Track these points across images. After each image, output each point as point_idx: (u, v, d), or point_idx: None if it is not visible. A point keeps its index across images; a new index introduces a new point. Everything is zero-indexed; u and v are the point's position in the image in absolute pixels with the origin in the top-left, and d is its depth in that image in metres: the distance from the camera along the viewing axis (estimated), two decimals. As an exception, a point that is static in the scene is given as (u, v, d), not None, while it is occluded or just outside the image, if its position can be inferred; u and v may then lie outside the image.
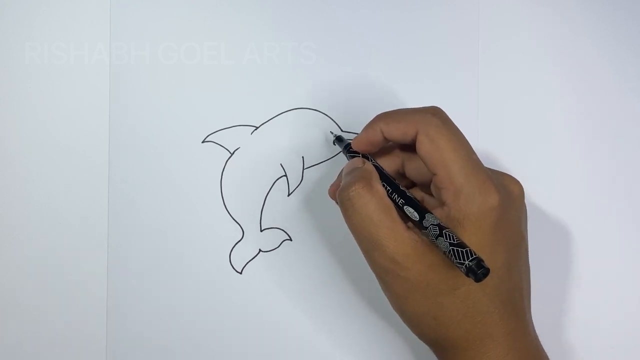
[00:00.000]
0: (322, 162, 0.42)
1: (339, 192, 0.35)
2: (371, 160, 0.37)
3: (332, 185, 0.39)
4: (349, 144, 0.39)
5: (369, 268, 0.42)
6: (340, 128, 0.42)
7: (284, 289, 0.42)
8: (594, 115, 0.43)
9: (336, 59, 0.43)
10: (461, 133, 0.35)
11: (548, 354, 0.36)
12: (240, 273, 0.42)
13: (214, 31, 0.42)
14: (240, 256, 0.42)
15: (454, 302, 0.34)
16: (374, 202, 0.34)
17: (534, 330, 0.37)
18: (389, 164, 0.38)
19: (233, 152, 0.42)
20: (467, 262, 0.31)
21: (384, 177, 0.36)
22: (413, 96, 0.43)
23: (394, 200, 0.35)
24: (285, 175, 0.42)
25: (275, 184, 0.42)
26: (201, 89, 0.42)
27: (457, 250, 0.31)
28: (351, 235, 0.42)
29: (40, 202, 0.41)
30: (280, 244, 0.42)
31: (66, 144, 0.42)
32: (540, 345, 0.36)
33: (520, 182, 0.37)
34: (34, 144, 0.42)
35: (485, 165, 0.35)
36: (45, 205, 0.41)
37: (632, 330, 0.43)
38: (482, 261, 0.31)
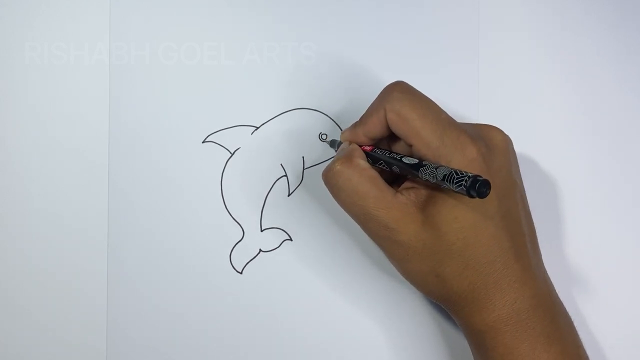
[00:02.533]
0: (322, 162, 0.42)
1: (323, 175, 0.36)
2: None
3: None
4: (335, 141, 0.41)
5: (368, 267, 0.42)
6: (340, 128, 0.42)
7: (284, 289, 0.42)
8: (594, 114, 0.43)
9: (336, 59, 0.43)
10: (426, 97, 0.36)
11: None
12: (241, 273, 0.42)
13: (214, 31, 0.42)
14: (241, 256, 0.42)
15: (452, 257, 0.34)
16: (356, 176, 0.35)
17: (545, 275, 0.37)
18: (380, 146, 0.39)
19: (233, 152, 0.42)
20: (464, 182, 0.31)
21: (374, 151, 0.37)
22: (413, 96, 0.43)
23: (387, 165, 0.36)
24: (286, 175, 0.42)
25: (276, 184, 0.42)
26: (201, 89, 0.42)
27: (455, 177, 0.32)
28: (351, 235, 0.42)
29: (40, 202, 0.41)
30: (281, 244, 0.42)
31: (66, 144, 0.42)
32: (553, 291, 0.36)
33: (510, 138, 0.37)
34: (33, 144, 0.42)
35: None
36: (45, 205, 0.41)
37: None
38: (479, 176, 0.31)
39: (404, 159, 0.35)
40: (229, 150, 0.42)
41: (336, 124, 0.42)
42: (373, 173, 0.35)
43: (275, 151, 0.42)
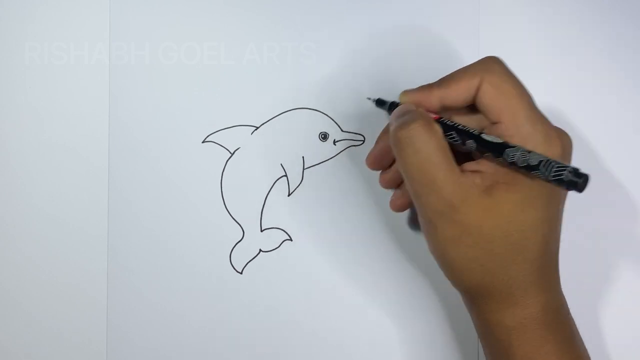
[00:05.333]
0: (322, 162, 0.42)
1: (396, 131, 0.34)
2: None
3: (369, 155, 0.38)
4: (395, 103, 0.38)
5: (368, 267, 0.42)
6: (340, 128, 0.42)
7: (284, 289, 0.42)
8: (595, 114, 0.43)
9: (336, 59, 0.43)
10: (521, 82, 0.35)
11: None
12: (241, 273, 0.42)
13: (214, 31, 0.42)
14: (241, 256, 0.42)
15: (506, 248, 0.33)
16: (434, 142, 0.33)
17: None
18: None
19: (233, 152, 0.42)
20: (566, 172, 0.31)
21: (446, 121, 0.35)
22: (413, 96, 0.43)
23: (460, 139, 0.34)
24: (286, 175, 0.42)
25: (276, 184, 0.42)
26: (201, 89, 0.42)
27: (554, 165, 0.31)
28: (351, 235, 0.42)
29: (40, 202, 0.41)
30: (281, 244, 0.42)
31: (66, 144, 0.42)
32: (566, 305, 0.36)
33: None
34: (33, 144, 0.42)
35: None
36: (45, 205, 0.41)
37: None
38: (579, 169, 0.31)
39: (483, 136, 0.34)
40: (229, 150, 0.42)
41: (336, 123, 0.42)
42: (447, 145, 0.34)
43: (275, 151, 0.42)
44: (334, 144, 0.42)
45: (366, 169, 0.39)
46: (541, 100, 0.43)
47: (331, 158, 0.42)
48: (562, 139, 0.35)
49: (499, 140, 0.33)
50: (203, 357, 0.41)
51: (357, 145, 0.42)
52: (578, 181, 0.31)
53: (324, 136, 0.42)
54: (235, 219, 0.42)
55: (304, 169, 0.42)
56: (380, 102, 0.39)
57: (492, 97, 0.34)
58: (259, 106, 0.42)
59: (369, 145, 0.42)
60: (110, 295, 0.41)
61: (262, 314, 0.42)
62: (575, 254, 0.42)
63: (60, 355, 0.41)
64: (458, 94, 0.35)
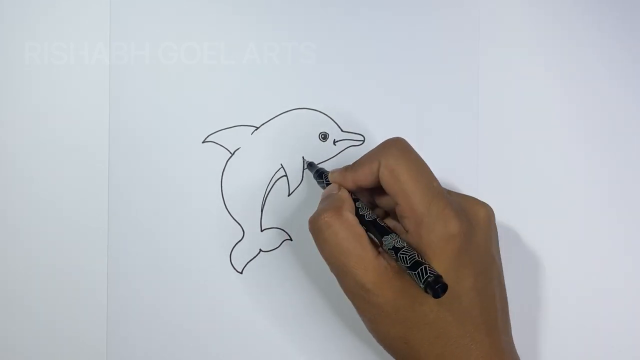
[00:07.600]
0: (322, 162, 0.42)
1: (311, 221, 0.36)
2: None
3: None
4: (319, 171, 0.40)
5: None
6: (340, 128, 0.42)
7: (284, 289, 0.42)
8: (595, 116, 0.43)
9: (336, 59, 0.43)
10: (422, 161, 0.36)
11: None
12: (241, 273, 0.42)
13: (214, 31, 0.42)
14: (241, 256, 0.42)
15: (424, 327, 0.34)
16: (343, 231, 0.35)
17: (513, 350, 0.36)
18: (362, 195, 0.38)
19: (233, 152, 0.42)
20: (424, 278, 0.32)
21: (359, 203, 0.37)
22: (412, 96, 0.43)
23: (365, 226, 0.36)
24: (286, 175, 0.42)
25: (276, 184, 0.42)
26: (201, 89, 0.42)
27: (416, 268, 0.32)
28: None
29: (41, 202, 0.41)
30: (281, 244, 0.42)
31: (66, 144, 0.42)
32: None
33: (498, 198, 0.37)
34: (34, 145, 0.42)
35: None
36: (45, 205, 0.41)
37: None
38: (441, 277, 0.32)
39: (378, 220, 0.35)
40: (229, 150, 0.42)
41: (336, 124, 0.42)
42: (360, 230, 0.35)
43: (275, 151, 0.42)
44: (334, 144, 0.42)
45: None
46: (541, 101, 0.43)
47: (331, 158, 0.42)
48: (467, 215, 0.35)
49: (382, 224, 0.35)
50: (203, 357, 0.41)
51: (357, 145, 0.42)
52: (434, 288, 0.31)
53: (324, 136, 0.42)
54: (236, 219, 0.42)
55: (304, 169, 0.42)
56: (310, 165, 0.41)
57: (387, 180, 0.35)
58: (259, 106, 0.42)
59: (369, 145, 0.42)
60: (110, 295, 0.41)
61: (262, 314, 0.42)
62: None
63: (60, 355, 0.41)
64: (365, 177, 0.36)
